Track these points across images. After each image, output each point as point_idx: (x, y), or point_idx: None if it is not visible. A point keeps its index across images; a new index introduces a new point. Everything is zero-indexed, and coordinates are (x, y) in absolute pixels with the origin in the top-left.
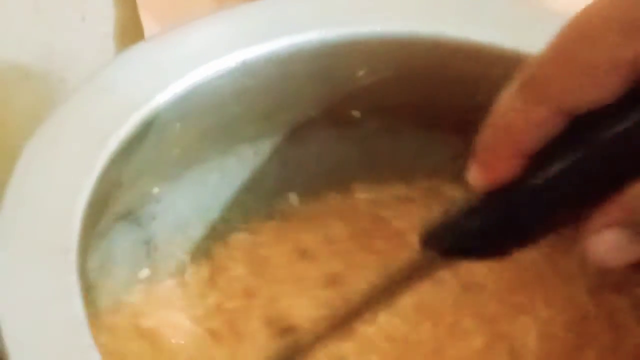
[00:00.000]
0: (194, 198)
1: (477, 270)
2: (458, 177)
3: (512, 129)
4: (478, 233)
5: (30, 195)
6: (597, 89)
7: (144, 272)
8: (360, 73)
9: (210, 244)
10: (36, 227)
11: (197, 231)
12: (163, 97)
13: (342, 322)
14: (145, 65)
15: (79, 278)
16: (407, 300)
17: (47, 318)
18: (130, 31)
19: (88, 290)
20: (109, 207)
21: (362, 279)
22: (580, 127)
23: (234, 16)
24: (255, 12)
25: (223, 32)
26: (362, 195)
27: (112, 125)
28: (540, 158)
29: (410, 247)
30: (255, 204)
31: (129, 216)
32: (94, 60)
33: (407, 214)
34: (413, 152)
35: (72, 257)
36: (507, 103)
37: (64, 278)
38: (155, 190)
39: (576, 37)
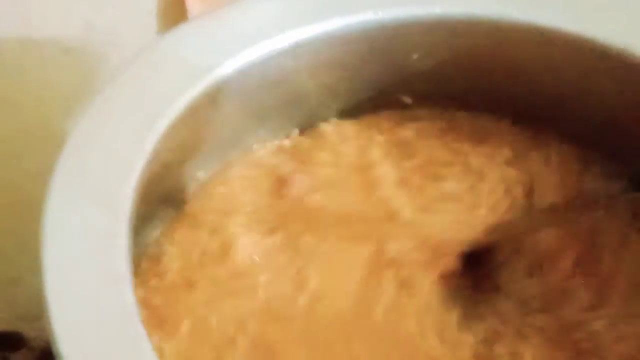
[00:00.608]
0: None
1: None
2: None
3: None
4: None
5: (79, 177)
6: None
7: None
8: (415, 56)
9: None
10: (86, 211)
11: None
12: (212, 78)
13: None
14: (195, 43)
15: (128, 264)
16: None
17: (97, 305)
18: (173, 9)
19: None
20: (156, 190)
21: None
22: None
23: None
24: None
25: (274, 11)
26: None
27: (162, 105)
28: None
29: None
30: None
31: (173, 199)
32: (136, 37)
33: None
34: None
35: (122, 241)
36: None
37: (113, 264)
38: (201, 173)
39: None
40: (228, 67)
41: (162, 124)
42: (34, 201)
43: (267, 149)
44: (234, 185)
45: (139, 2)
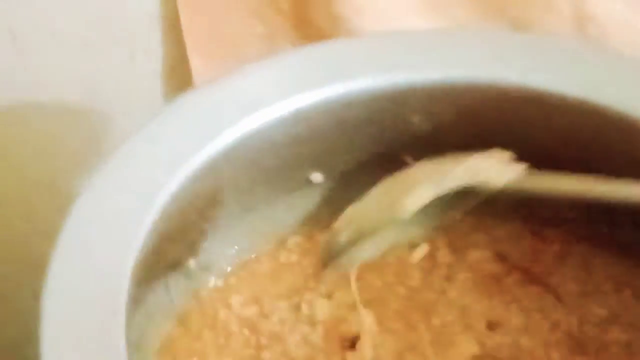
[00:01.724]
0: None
1: None
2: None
3: None
4: None
5: (80, 250)
6: None
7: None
8: (415, 119)
9: None
10: (85, 284)
11: None
12: (214, 147)
13: None
14: (196, 113)
15: (125, 342)
16: None
17: None
18: (178, 70)
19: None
20: (158, 260)
21: None
22: None
23: (285, 62)
24: (307, 58)
25: (275, 78)
26: None
27: (163, 178)
28: None
29: None
30: None
31: (177, 267)
32: (141, 98)
33: None
34: None
35: (121, 319)
36: None
37: (111, 341)
38: (205, 241)
39: None
40: (227, 138)
41: (163, 196)
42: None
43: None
44: None
45: (143, 63)
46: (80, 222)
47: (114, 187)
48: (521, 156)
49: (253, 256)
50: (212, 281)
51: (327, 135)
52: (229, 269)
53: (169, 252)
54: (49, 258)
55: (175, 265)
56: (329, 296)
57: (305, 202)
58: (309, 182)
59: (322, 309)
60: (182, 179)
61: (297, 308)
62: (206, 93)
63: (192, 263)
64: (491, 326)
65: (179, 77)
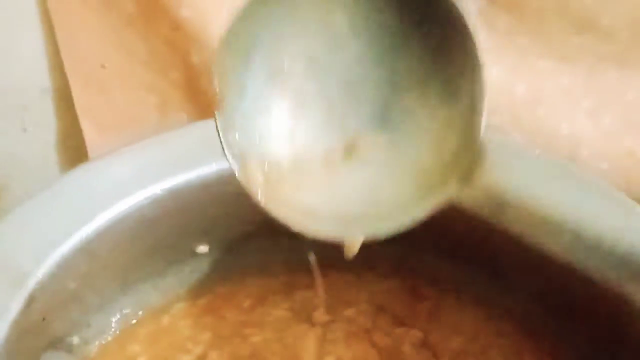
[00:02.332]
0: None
1: None
2: None
3: None
4: None
5: None
6: None
7: None
8: None
9: None
10: None
11: None
12: (85, 231)
13: None
14: (70, 197)
15: None
16: None
17: None
18: (71, 139)
19: None
20: (36, 339)
21: None
22: None
23: (164, 142)
24: (186, 138)
25: (153, 159)
26: None
27: (31, 264)
28: None
29: None
30: None
31: (59, 344)
32: (35, 167)
33: None
34: None
35: None
36: None
37: None
38: (87, 316)
39: None
40: (102, 218)
41: (32, 280)
42: None
43: None
44: None
45: (37, 135)
46: None
47: None
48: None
49: (134, 322)
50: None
51: (206, 210)
52: (109, 338)
53: (48, 332)
54: None
55: (56, 342)
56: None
57: (192, 270)
58: (195, 254)
59: None
60: (52, 265)
61: None
62: (81, 176)
63: (75, 339)
64: None
65: (72, 147)
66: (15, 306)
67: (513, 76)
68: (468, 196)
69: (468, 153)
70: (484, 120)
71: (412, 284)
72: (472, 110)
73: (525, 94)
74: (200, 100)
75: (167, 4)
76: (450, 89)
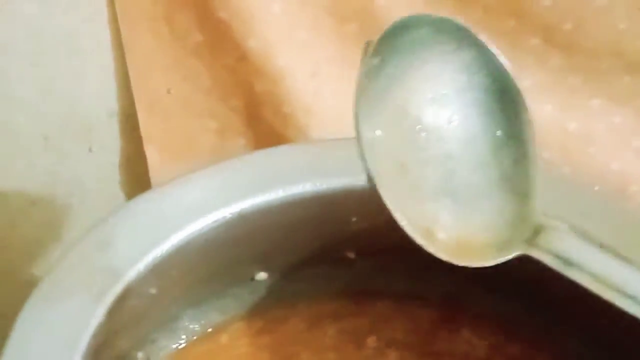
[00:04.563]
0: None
1: None
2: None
3: None
4: None
5: (30, 349)
6: None
7: None
8: (354, 219)
9: None
10: None
11: None
12: (160, 250)
13: None
14: (145, 218)
15: None
16: None
17: None
18: (134, 162)
19: None
20: (107, 352)
21: None
22: None
23: (231, 168)
24: (251, 165)
25: (221, 184)
26: None
27: (111, 280)
28: None
29: None
30: None
31: (125, 358)
32: (99, 187)
33: None
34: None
35: None
36: None
37: None
38: (153, 333)
39: None
40: (173, 240)
41: (109, 297)
42: None
43: None
44: None
45: (101, 156)
46: (30, 322)
47: (63, 289)
48: None
49: (194, 339)
50: None
51: (269, 235)
52: (171, 354)
53: (117, 347)
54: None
55: (122, 356)
56: None
57: (251, 294)
58: (253, 280)
59: None
60: (128, 282)
61: None
62: (154, 199)
63: (139, 354)
64: None
65: (135, 169)
66: (94, 321)
67: (565, 113)
68: None
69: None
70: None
71: (456, 316)
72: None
73: (576, 131)
74: (259, 127)
75: (235, 34)
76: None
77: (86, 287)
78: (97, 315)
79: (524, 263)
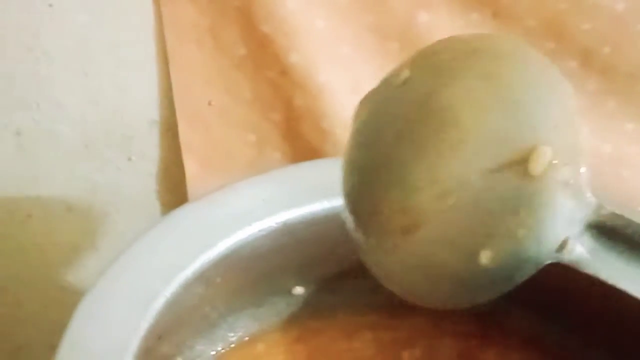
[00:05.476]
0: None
1: None
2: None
3: None
4: None
5: (84, 349)
6: None
7: None
8: None
9: None
10: None
11: None
12: (207, 257)
13: None
14: (192, 226)
15: None
16: None
17: None
18: (172, 171)
19: None
20: (149, 356)
21: None
22: None
23: (275, 179)
24: (296, 176)
25: (265, 194)
26: None
27: (159, 286)
28: None
29: None
30: None
31: None
32: (136, 197)
33: None
34: None
35: None
36: None
37: None
38: (192, 339)
39: None
40: (219, 249)
41: (158, 303)
42: (31, 348)
43: None
44: None
45: (140, 164)
46: (82, 324)
47: (113, 292)
48: None
49: (232, 346)
50: None
51: (312, 246)
52: None
53: (160, 351)
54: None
55: None
56: None
57: (288, 304)
58: (291, 293)
59: None
60: (177, 287)
61: None
62: (201, 207)
63: None
64: None
65: (172, 179)
66: (144, 324)
67: (600, 137)
68: None
69: None
70: None
71: (489, 331)
72: None
73: (611, 155)
74: (297, 142)
75: (277, 48)
76: None
77: (136, 290)
78: (147, 319)
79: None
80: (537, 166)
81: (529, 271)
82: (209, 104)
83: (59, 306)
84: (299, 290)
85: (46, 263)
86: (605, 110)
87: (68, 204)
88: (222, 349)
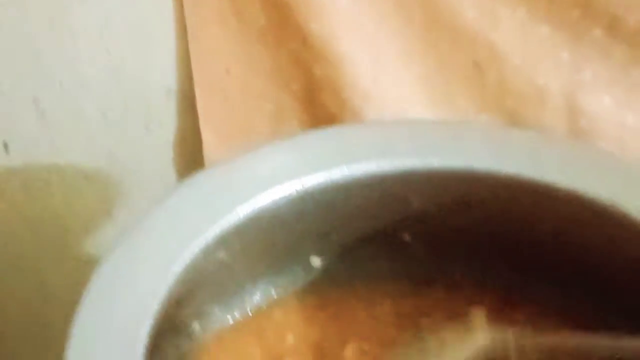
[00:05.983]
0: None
1: None
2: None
3: None
4: None
5: (100, 316)
6: None
7: None
8: (414, 202)
9: None
10: (105, 350)
11: None
12: (227, 222)
13: None
14: (211, 191)
15: None
16: None
17: None
18: (189, 141)
19: None
20: (169, 324)
21: None
22: None
23: (296, 145)
24: (316, 142)
25: (286, 160)
26: None
27: (178, 250)
28: None
29: None
30: None
31: (182, 329)
32: (154, 167)
33: None
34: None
35: None
36: None
37: None
38: (210, 305)
39: None
40: (238, 214)
41: (178, 267)
42: (49, 320)
43: None
44: None
45: (157, 134)
46: (101, 288)
47: (133, 256)
48: (512, 246)
49: (250, 314)
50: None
51: (332, 212)
52: (226, 328)
53: (177, 315)
54: (55, 316)
55: (181, 328)
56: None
57: (307, 272)
58: (309, 261)
59: None
60: (196, 252)
61: None
62: (220, 172)
63: (196, 326)
64: None
65: (189, 148)
66: (164, 288)
67: (624, 106)
68: None
69: None
70: None
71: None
72: None
73: (634, 124)
74: (316, 111)
75: (298, 18)
76: None
77: (155, 256)
78: (166, 284)
79: None
80: None
81: None
82: (227, 72)
83: (78, 275)
84: (316, 261)
85: (63, 233)
86: (630, 81)
87: (86, 173)
88: (240, 316)
